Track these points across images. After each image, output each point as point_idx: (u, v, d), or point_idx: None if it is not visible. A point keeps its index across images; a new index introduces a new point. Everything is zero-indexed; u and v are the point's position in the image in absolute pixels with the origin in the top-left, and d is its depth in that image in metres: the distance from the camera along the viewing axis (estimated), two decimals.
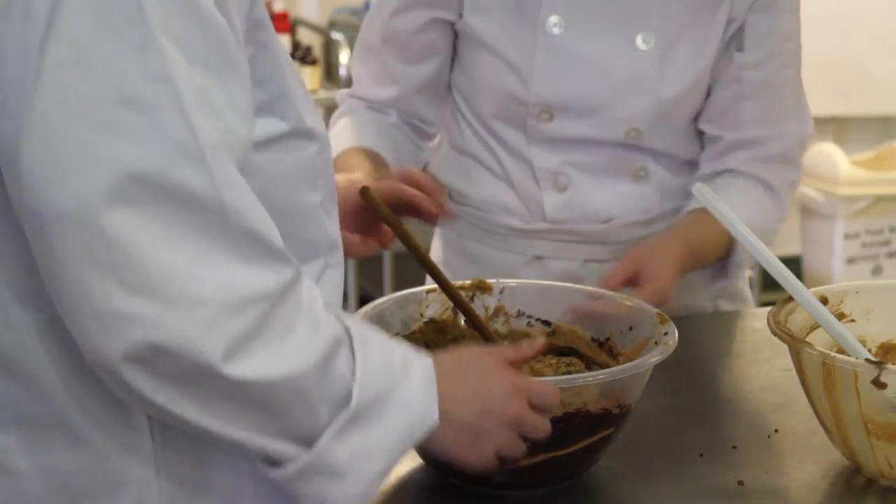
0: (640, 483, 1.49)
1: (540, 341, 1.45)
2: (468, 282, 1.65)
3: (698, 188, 1.56)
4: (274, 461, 1.16)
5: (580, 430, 1.42)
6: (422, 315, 1.61)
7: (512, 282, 1.67)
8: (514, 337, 1.63)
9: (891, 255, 4.73)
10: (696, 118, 1.98)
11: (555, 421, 1.37)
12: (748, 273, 4.22)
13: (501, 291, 1.65)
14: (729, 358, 1.92)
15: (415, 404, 1.21)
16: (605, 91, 1.89)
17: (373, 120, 2.00)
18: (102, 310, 1.04)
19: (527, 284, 1.69)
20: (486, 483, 1.44)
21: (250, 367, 1.08)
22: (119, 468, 1.16)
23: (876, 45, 4.85)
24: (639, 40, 1.87)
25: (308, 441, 1.15)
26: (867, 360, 1.44)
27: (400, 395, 1.20)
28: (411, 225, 1.60)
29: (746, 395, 1.81)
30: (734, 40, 1.92)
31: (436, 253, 2.11)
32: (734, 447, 1.57)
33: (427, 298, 1.62)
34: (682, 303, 1.98)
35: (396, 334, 1.56)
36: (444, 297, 1.60)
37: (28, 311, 1.13)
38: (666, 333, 1.50)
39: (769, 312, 1.54)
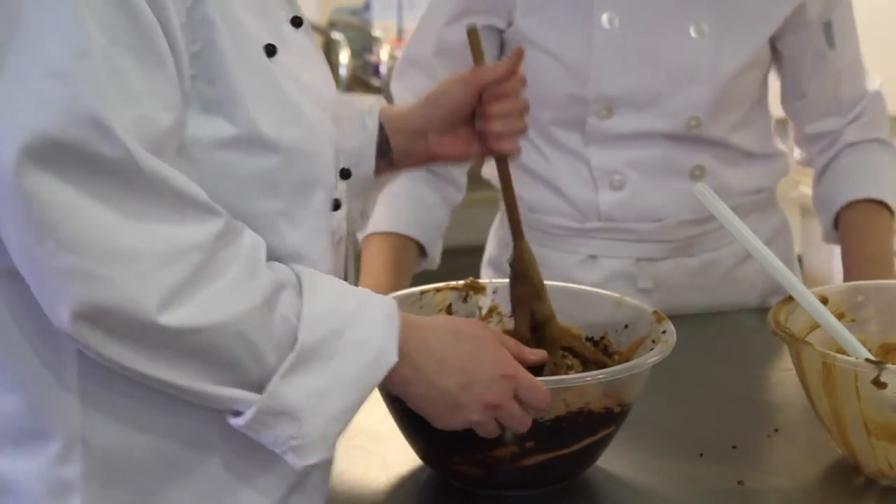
0: (639, 483, 1.49)
1: (542, 353, 1.44)
2: (461, 282, 1.65)
3: (699, 189, 1.56)
4: (234, 411, 1.18)
5: (582, 429, 1.42)
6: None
7: (505, 281, 1.67)
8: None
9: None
10: (800, 121, 2.06)
11: (557, 420, 1.37)
12: None
13: (495, 291, 1.65)
14: (729, 357, 1.92)
15: (371, 344, 1.21)
16: (662, 81, 1.92)
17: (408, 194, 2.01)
18: (47, 268, 1.09)
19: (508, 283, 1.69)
20: (485, 483, 1.44)
21: (185, 314, 1.12)
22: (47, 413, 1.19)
23: (876, 46, 4.85)
24: (692, 29, 1.90)
25: (259, 386, 1.17)
26: (867, 359, 1.44)
27: (353, 334, 1.21)
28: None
29: (747, 395, 1.81)
30: (824, 38, 1.98)
31: (490, 252, 2.13)
32: (734, 447, 1.57)
33: (421, 299, 1.62)
34: (730, 300, 2.00)
35: None
36: (438, 297, 1.61)
37: None
38: (664, 332, 1.50)
39: (769, 312, 1.54)
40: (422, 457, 1.48)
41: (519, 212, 1.57)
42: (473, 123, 1.54)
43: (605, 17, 1.89)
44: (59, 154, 1.07)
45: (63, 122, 1.07)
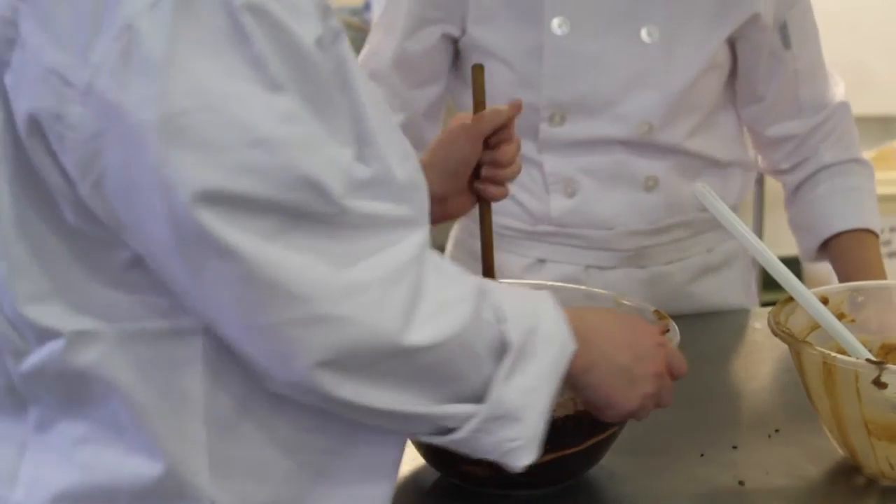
0: (640, 483, 1.49)
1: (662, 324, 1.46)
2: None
3: (698, 188, 1.56)
4: (446, 428, 1.18)
5: (591, 428, 1.42)
6: None
7: (512, 282, 1.66)
8: None
9: (891, 255, 4.73)
10: (759, 125, 2.05)
11: (565, 419, 1.38)
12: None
13: None
14: (730, 358, 1.92)
15: (556, 335, 1.22)
16: (613, 87, 1.91)
17: None
18: (279, 322, 1.08)
19: (527, 285, 1.69)
20: (486, 483, 1.44)
21: (424, 332, 1.12)
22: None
23: (876, 45, 4.85)
24: (643, 34, 1.89)
25: (478, 396, 1.17)
26: (868, 360, 1.44)
27: (542, 328, 1.21)
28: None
29: (747, 395, 1.82)
30: (779, 39, 1.97)
31: (446, 253, 2.12)
32: (735, 447, 1.57)
33: None
34: (717, 301, 2.01)
35: None
36: None
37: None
38: (668, 331, 1.50)
39: (769, 312, 1.54)
40: (425, 457, 1.48)
41: (493, 252, 1.58)
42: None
43: (555, 23, 1.87)
44: (290, 219, 1.07)
45: (288, 189, 1.07)
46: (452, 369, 1.15)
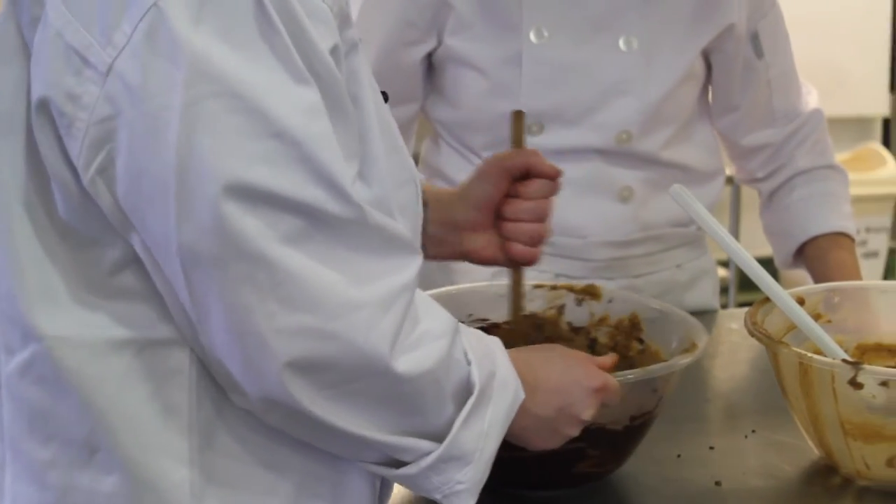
0: (617, 485, 1.49)
1: (612, 356, 1.41)
2: (580, 284, 1.64)
3: (675, 189, 1.56)
4: (398, 461, 1.17)
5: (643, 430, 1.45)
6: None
7: (622, 291, 1.68)
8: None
9: (868, 255, 4.75)
10: (735, 135, 2.06)
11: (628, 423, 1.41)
12: (723, 273, 4.24)
13: (610, 300, 1.63)
14: (706, 359, 1.92)
15: (510, 381, 1.22)
16: (592, 95, 1.91)
17: None
18: (266, 330, 1.07)
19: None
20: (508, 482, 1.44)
21: (404, 361, 1.11)
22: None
23: (852, 47, 4.87)
24: (621, 43, 1.89)
25: (437, 434, 1.17)
26: (844, 360, 1.44)
27: (499, 374, 1.21)
28: None
29: (724, 396, 1.82)
30: (751, 48, 1.98)
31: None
32: (712, 448, 1.57)
33: (532, 293, 1.62)
34: (689, 302, 2.02)
35: (485, 321, 1.60)
36: (551, 294, 1.62)
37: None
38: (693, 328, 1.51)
39: (746, 313, 1.54)
40: None
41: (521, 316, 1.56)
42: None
43: (533, 32, 1.87)
44: (303, 219, 1.06)
45: (307, 186, 1.06)
46: (421, 403, 1.14)
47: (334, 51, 1.11)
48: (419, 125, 2.08)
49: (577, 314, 1.63)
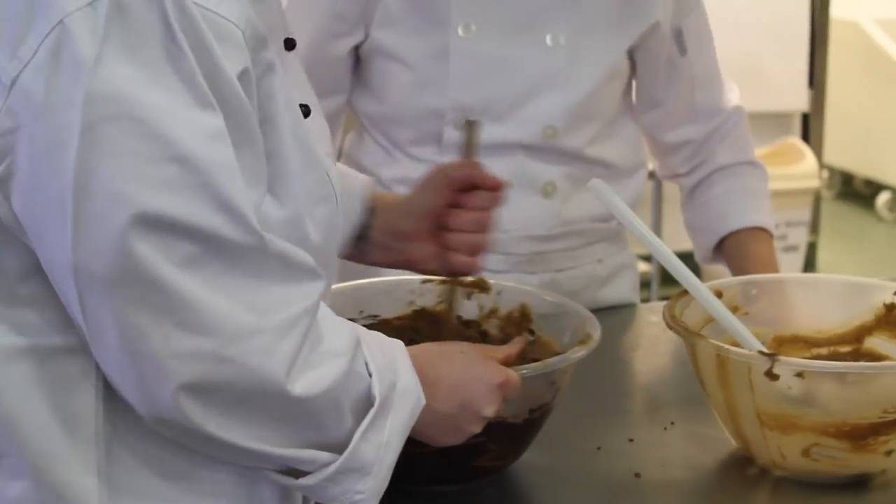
0: (537, 477, 1.49)
1: (514, 346, 1.42)
2: (469, 278, 1.63)
3: (594, 183, 1.57)
4: (299, 471, 1.17)
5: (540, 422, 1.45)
6: (412, 303, 1.62)
7: (511, 284, 1.67)
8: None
9: (788, 249, 4.81)
10: (658, 131, 2.07)
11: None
12: (645, 268, 4.28)
13: (499, 293, 1.64)
14: (625, 351, 1.94)
15: (411, 390, 1.22)
16: (519, 90, 1.91)
17: None
18: (160, 353, 1.06)
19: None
20: (411, 479, 1.43)
21: (307, 382, 1.11)
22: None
23: (771, 43, 4.93)
24: (548, 39, 1.90)
25: (337, 446, 1.17)
26: (760, 352, 1.46)
27: (400, 384, 1.21)
28: None
29: (643, 388, 1.84)
30: (675, 46, 2.00)
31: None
32: (631, 440, 1.58)
33: (421, 288, 1.62)
34: (608, 296, 2.03)
35: (376, 317, 1.60)
36: (440, 289, 1.60)
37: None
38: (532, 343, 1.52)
39: (664, 306, 1.56)
40: None
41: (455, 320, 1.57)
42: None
43: (461, 27, 1.88)
44: (201, 245, 1.05)
45: (206, 213, 1.05)
46: (319, 419, 1.15)
47: (244, 74, 1.10)
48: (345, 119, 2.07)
49: (466, 308, 1.63)
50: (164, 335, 1.06)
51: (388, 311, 1.62)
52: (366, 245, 1.55)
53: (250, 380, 1.08)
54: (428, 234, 1.51)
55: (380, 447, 1.18)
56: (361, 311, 1.62)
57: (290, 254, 1.12)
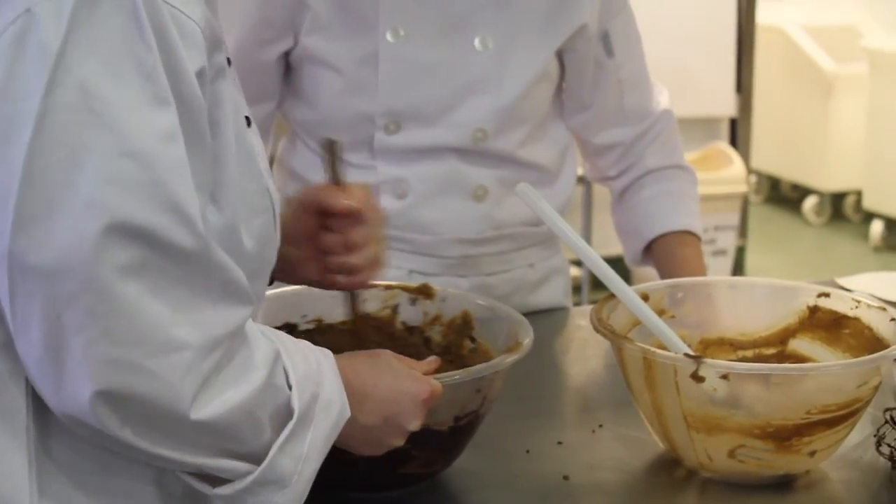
0: (466, 481, 1.50)
1: (435, 361, 1.41)
2: (414, 284, 1.64)
3: (520, 188, 1.58)
4: (217, 480, 1.17)
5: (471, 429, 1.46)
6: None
7: (455, 291, 1.68)
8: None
9: (716, 253, 4.85)
10: (587, 133, 2.08)
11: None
12: (576, 272, 4.29)
13: (444, 300, 1.64)
14: (554, 354, 1.95)
15: (335, 403, 1.22)
16: (448, 94, 1.92)
17: None
18: (83, 356, 1.05)
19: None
20: (340, 485, 1.43)
21: (213, 406, 1.10)
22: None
23: (699, 48, 4.97)
24: (477, 42, 1.90)
25: (255, 456, 1.16)
26: (686, 354, 1.47)
27: (323, 395, 1.21)
28: None
29: (572, 391, 1.85)
30: (602, 48, 2.01)
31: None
32: (560, 443, 1.59)
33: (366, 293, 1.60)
34: (540, 300, 2.04)
35: (319, 321, 1.60)
36: (386, 294, 1.62)
37: None
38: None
39: (591, 309, 1.57)
40: None
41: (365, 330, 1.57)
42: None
43: (389, 32, 1.88)
44: (142, 244, 1.04)
45: (152, 211, 1.04)
46: (234, 433, 1.14)
47: (200, 74, 1.10)
48: (276, 127, 2.07)
49: (410, 314, 1.63)
50: (90, 339, 1.05)
51: (333, 316, 1.60)
52: None
53: (162, 396, 1.07)
54: (311, 258, 1.49)
55: (298, 459, 1.18)
56: (304, 316, 1.61)
57: (228, 268, 1.12)
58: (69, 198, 1.03)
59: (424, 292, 1.64)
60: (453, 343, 1.59)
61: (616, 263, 1.60)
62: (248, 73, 1.89)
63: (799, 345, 1.66)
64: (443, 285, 1.72)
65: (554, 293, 2.11)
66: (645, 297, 1.61)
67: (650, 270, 2.09)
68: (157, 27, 1.06)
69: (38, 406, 1.13)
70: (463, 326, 1.61)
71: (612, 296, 1.58)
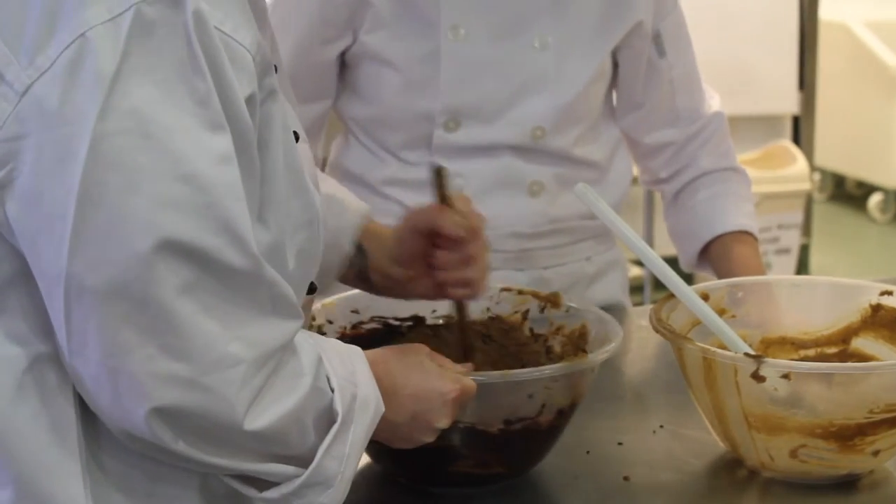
0: (525, 481, 1.50)
1: (468, 366, 1.42)
2: (546, 292, 1.66)
3: (579, 188, 1.58)
4: (263, 483, 1.18)
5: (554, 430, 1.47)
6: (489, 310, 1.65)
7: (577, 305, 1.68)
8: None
9: (780, 251, 4.81)
10: (638, 133, 2.09)
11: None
12: (637, 272, 4.27)
13: (567, 311, 1.64)
14: (615, 355, 1.93)
15: (370, 401, 1.23)
16: (507, 93, 1.93)
17: None
18: (141, 371, 1.06)
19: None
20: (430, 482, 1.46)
21: (266, 416, 1.12)
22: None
23: (761, 45, 4.93)
24: (536, 41, 1.91)
25: (302, 459, 1.18)
26: (746, 354, 1.46)
27: (360, 395, 1.22)
28: None
29: (632, 392, 1.84)
30: (654, 49, 2.02)
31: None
32: (620, 443, 1.59)
33: (498, 296, 1.66)
34: (597, 295, 2.04)
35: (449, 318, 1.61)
36: (518, 299, 1.65)
37: None
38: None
39: (651, 309, 1.56)
40: (369, 454, 1.49)
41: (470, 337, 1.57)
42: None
43: (450, 30, 1.89)
44: (196, 264, 1.06)
45: (207, 233, 1.06)
46: (284, 439, 1.15)
47: (250, 99, 1.11)
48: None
49: (539, 320, 1.64)
50: (148, 356, 1.06)
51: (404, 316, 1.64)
52: (370, 285, 1.57)
53: (217, 410, 1.09)
54: (421, 275, 1.52)
55: (342, 459, 1.19)
56: (434, 311, 1.64)
57: (279, 284, 1.13)
58: (125, 220, 1.04)
59: (553, 301, 1.64)
60: (568, 354, 1.59)
61: (676, 264, 1.59)
62: (306, 72, 1.91)
63: (861, 343, 1.65)
64: (501, 279, 1.73)
65: (611, 287, 2.10)
66: (705, 297, 1.60)
67: (708, 273, 2.08)
68: (210, 54, 1.07)
69: (86, 418, 1.14)
70: (579, 338, 1.61)
71: (672, 295, 1.57)
